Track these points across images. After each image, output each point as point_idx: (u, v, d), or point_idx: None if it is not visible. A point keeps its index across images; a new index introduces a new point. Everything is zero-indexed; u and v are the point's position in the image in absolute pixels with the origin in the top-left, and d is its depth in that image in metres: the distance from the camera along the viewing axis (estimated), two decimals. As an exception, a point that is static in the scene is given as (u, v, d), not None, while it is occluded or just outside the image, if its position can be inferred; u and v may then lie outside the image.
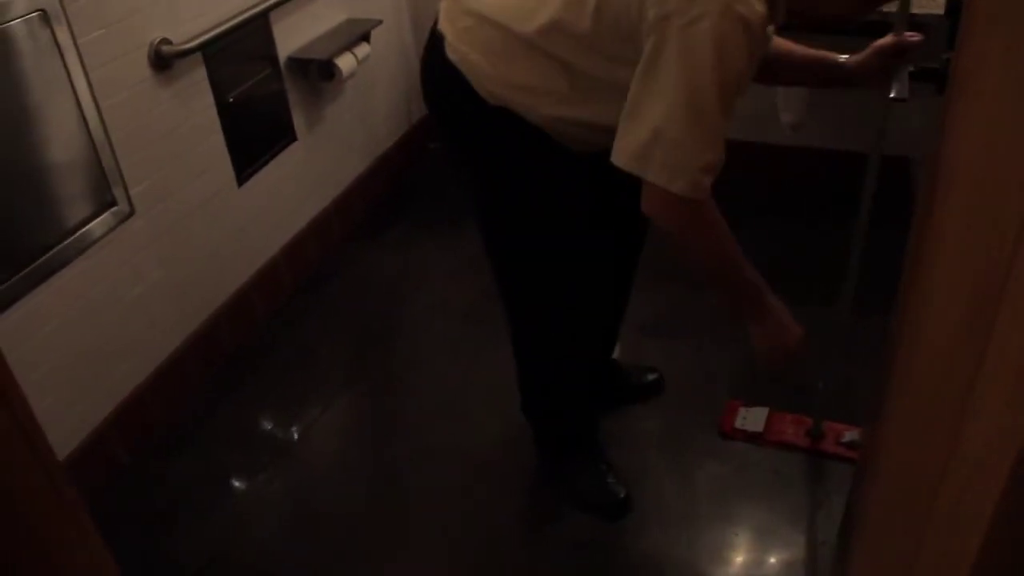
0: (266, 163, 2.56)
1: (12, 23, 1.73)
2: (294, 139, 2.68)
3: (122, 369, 2.13)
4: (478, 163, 1.66)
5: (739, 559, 1.88)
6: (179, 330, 2.31)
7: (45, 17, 1.79)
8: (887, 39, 1.54)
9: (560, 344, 1.87)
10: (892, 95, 1.17)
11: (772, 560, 1.87)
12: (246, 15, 2.31)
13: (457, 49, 1.51)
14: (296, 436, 2.25)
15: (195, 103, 2.25)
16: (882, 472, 1.24)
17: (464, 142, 1.66)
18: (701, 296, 2.66)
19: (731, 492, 2.03)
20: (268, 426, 2.29)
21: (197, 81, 2.25)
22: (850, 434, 2.11)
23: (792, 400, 2.22)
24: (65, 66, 1.85)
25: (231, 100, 2.36)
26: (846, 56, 1.61)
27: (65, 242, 1.92)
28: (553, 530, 1.97)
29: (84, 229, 1.96)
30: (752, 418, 2.19)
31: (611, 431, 2.20)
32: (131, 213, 2.08)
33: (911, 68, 1.19)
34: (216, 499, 2.07)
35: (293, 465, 2.17)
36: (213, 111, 2.32)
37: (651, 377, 2.32)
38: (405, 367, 2.47)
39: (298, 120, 2.69)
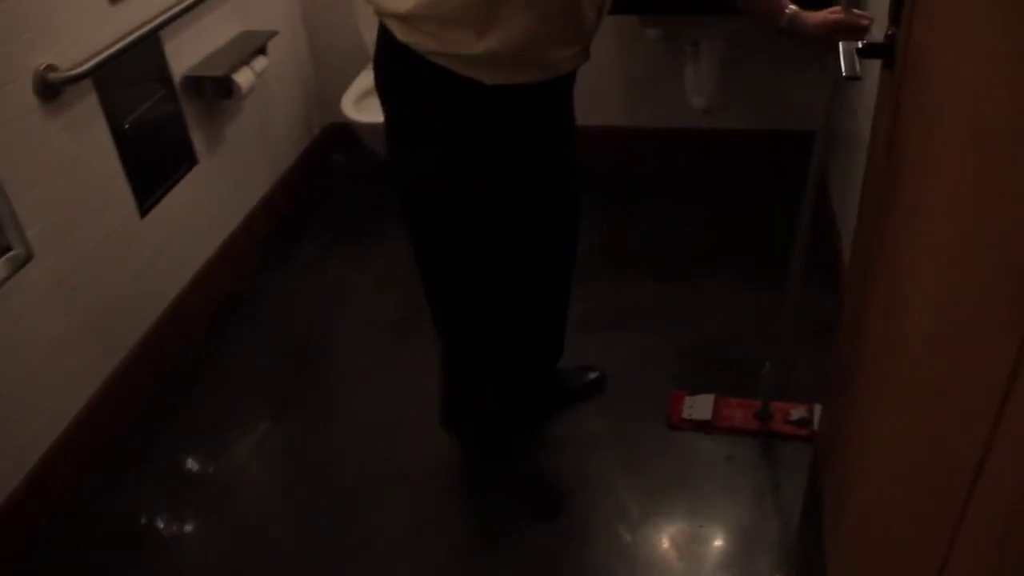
0: (168, 190, 2.41)
1: None
2: (195, 162, 2.54)
3: (33, 428, 1.97)
4: (400, 121, 1.60)
5: (708, 551, 1.86)
6: (92, 379, 2.15)
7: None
8: (840, 16, 1.54)
9: (491, 337, 1.82)
10: (844, 74, 1.16)
11: (742, 547, 1.86)
12: (136, 34, 2.16)
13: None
14: (231, 476, 2.13)
15: (89, 133, 2.10)
16: (870, 450, 1.23)
17: (390, 102, 1.59)
18: (634, 288, 2.66)
19: (688, 484, 2.01)
20: (200, 470, 2.15)
21: (89, 109, 2.09)
22: (797, 412, 2.12)
23: (736, 384, 2.22)
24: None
25: (127, 126, 2.21)
26: (795, 9, 1.60)
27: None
28: (510, 540, 1.91)
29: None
30: (699, 406, 2.18)
31: (557, 435, 2.16)
32: (28, 258, 1.92)
33: (858, 45, 1.18)
34: (152, 556, 1.93)
35: (232, 507, 2.04)
36: (109, 140, 2.16)
37: (592, 376, 2.29)
38: (337, 388, 2.37)
39: (198, 142, 2.55)
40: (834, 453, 1.58)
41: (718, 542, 1.87)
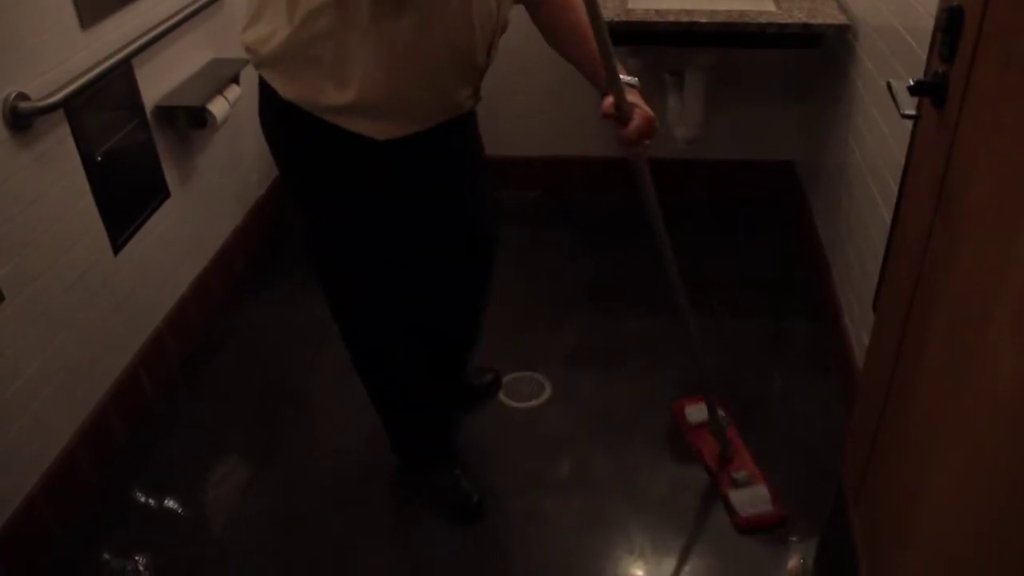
0: (141, 224, 2.29)
1: None
2: (167, 195, 2.42)
3: (5, 479, 1.83)
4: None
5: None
6: (66, 426, 2.02)
7: None
8: (607, 105, 1.50)
9: (396, 369, 1.90)
10: (901, 113, 1.12)
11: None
12: (108, 63, 2.05)
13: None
14: (208, 521, 2.00)
15: (60, 165, 1.97)
16: (932, 505, 1.18)
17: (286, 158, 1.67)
18: (622, 323, 2.60)
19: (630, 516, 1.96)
20: (181, 521, 2.02)
21: (61, 140, 1.97)
22: (737, 474, 2.01)
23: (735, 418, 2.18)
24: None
25: (99, 158, 2.09)
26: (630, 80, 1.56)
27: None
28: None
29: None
30: (696, 413, 2.19)
31: (561, 475, 2.08)
32: (1, 299, 1.79)
33: (911, 82, 1.14)
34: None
35: (210, 553, 1.92)
36: (81, 172, 2.04)
37: (487, 378, 2.34)
38: (319, 428, 2.26)
39: (170, 174, 2.43)
40: (870, 505, 1.53)
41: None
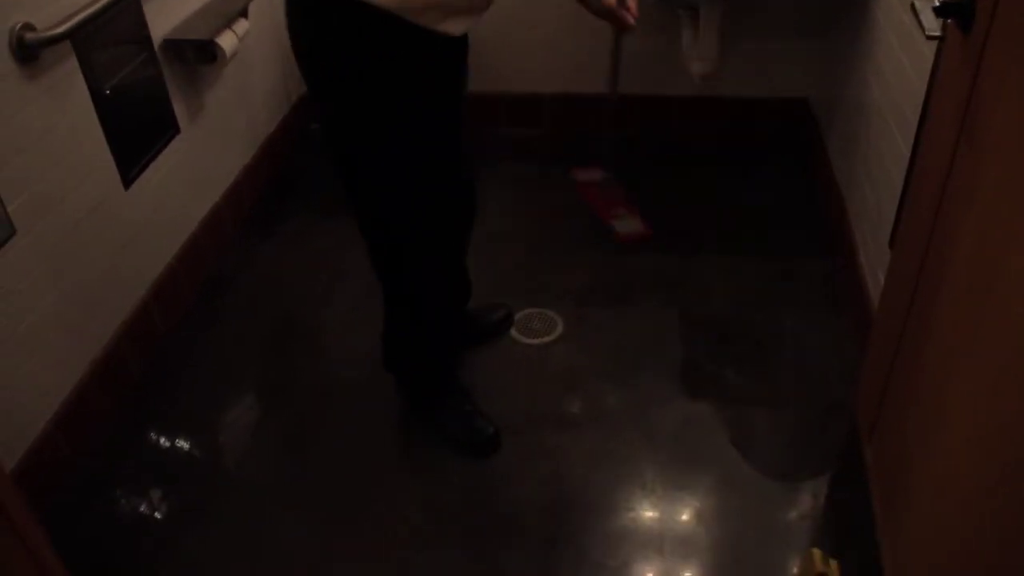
0: (151, 160, 2.28)
1: None
2: (177, 131, 2.40)
3: (22, 414, 1.84)
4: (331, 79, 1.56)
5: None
6: (79, 360, 2.03)
7: None
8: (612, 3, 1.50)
9: (423, 272, 1.84)
10: (926, 34, 1.09)
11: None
12: (115, -7, 2.02)
13: None
14: (228, 459, 2.03)
15: (69, 98, 1.96)
16: (946, 436, 1.18)
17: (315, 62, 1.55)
18: (634, 260, 2.59)
19: (644, 458, 1.97)
20: (194, 454, 2.04)
21: (69, 73, 1.95)
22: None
23: (747, 359, 2.17)
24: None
25: (107, 92, 2.07)
26: None
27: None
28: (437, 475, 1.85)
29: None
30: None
31: (578, 412, 2.09)
32: (12, 233, 1.79)
33: (936, 3, 1.11)
34: (142, 537, 1.83)
35: (222, 487, 1.94)
36: (90, 106, 2.02)
37: (500, 314, 2.34)
38: (330, 362, 2.27)
39: (179, 110, 2.41)
40: (885, 440, 1.53)
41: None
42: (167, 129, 2.36)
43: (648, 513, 1.85)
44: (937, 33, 1.09)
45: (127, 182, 2.17)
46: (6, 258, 1.77)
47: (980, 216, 1.08)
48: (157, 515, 1.89)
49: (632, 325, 2.35)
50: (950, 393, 1.19)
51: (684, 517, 1.84)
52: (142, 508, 1.91)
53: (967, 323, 1.13)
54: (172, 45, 2.34)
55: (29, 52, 1.81)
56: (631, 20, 1.54)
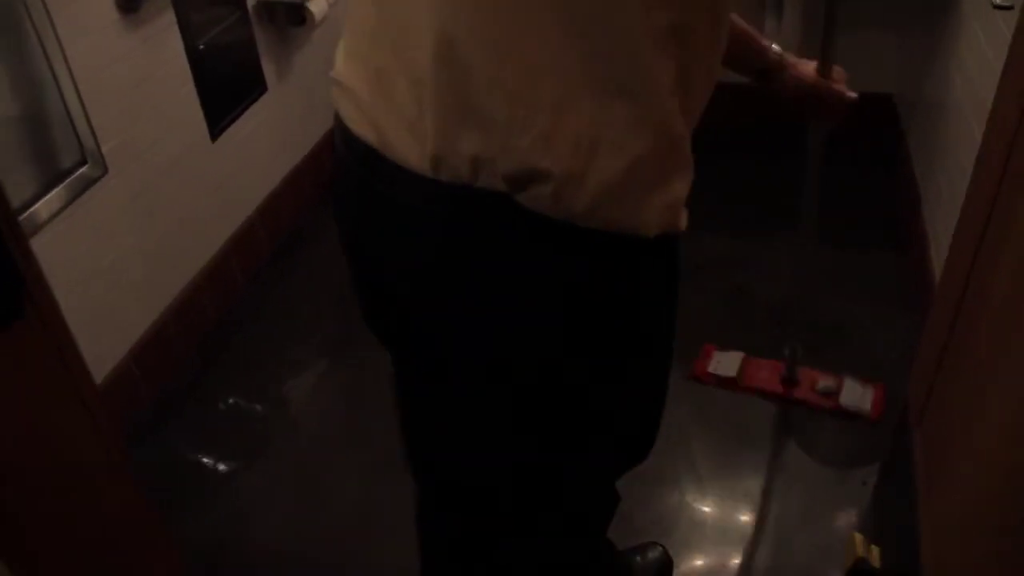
0: (238, 116, 2.38)
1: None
2: (264, 90, 2.50)
3: (100, 346, 1.96)
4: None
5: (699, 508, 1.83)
6: (158, 300, 2.14)
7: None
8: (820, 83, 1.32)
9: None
10: (995, 2, 1.08)
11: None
12: (214, -48, 2.12)
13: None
14: (292, 406, 2.12)
15: (165, 50, 2.06)
16: (984, 422, 1.18)
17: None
18: (696, 241, 2.60)
19: (693, 436, 1.98)
20: (259, 399, 2.14)
21: (166, 26, 2.05)
22: (824, 382, 2.05)
23: (767, 347, 2.16)
24: (26, 7, 1.65)
25: (201, 47, 2.17)
26: (779, 50, 1.32)
27: (32, 208, 1.73)
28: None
29: (52, 193, 1.77)
30: (726, 363, 2.14)
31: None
32: (104, 172, 1.90)
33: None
34: (215, 480, 1.93)
35: (292, 437, 2.03)
36: (183, 59, 2.13)
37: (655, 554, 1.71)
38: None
39: (268, 69, 2.51)
40: (932, 423, 1.53)
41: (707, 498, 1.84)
42: (255, 87, 2.46)
43: (693, 492, 1.87)
44: (1006, 2, 1.08)
45: (214, 135, 2.27)
46: (97, 196, 1.89)
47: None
48: (219, 451, 1.99)
49: (694, 300, 2.36)
50: (995, 376, 1.18)
51: (730, 497, 1.85)
52: (205, 443, 2.01)
53: (1016, 307, 1.13)
54: (265, 6, 2.44)
55: (130, 3, 1.92)
56: (850, 98, 1.33)
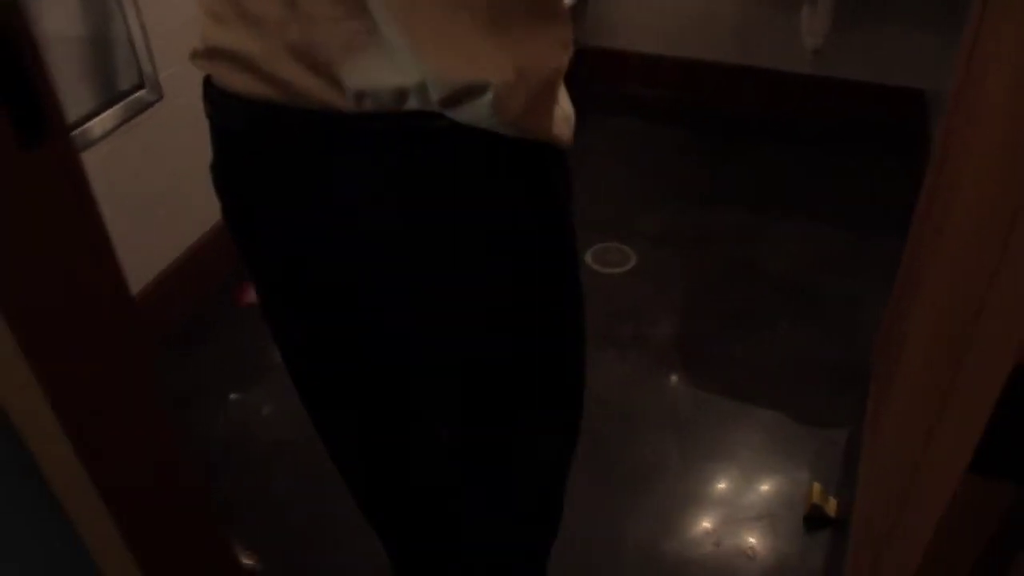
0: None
1: None
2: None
3: (139, 257, 2.15)
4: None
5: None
6: (196, 227, 2.34)
7: None
8: None
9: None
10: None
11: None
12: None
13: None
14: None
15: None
16: (906, 351, 1.27)
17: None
18: (714, 214, 2.70)
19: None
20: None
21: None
22: None
23: (797, 311, 2.25)
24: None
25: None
26: None
27: (87, 124, 1.92)
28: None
29: (107, 112, 1.96)
30: None
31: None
32: (159, 98, 2.08)
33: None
34: (228, 403, 2.11)
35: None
36: None
37: None
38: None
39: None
40: (881, 362, 1.63)
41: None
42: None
43: (674, 434, 1.99)
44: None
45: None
46: (151, 119, 2.07)
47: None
48: (238, 380, 2.17)
49: (704, 269, 2.47)
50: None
51: (707, 441, 1.97)
52: (225, 372, 2.19)
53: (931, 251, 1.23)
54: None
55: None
56: None
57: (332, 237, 0.90)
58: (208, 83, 0.92)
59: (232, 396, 2.10)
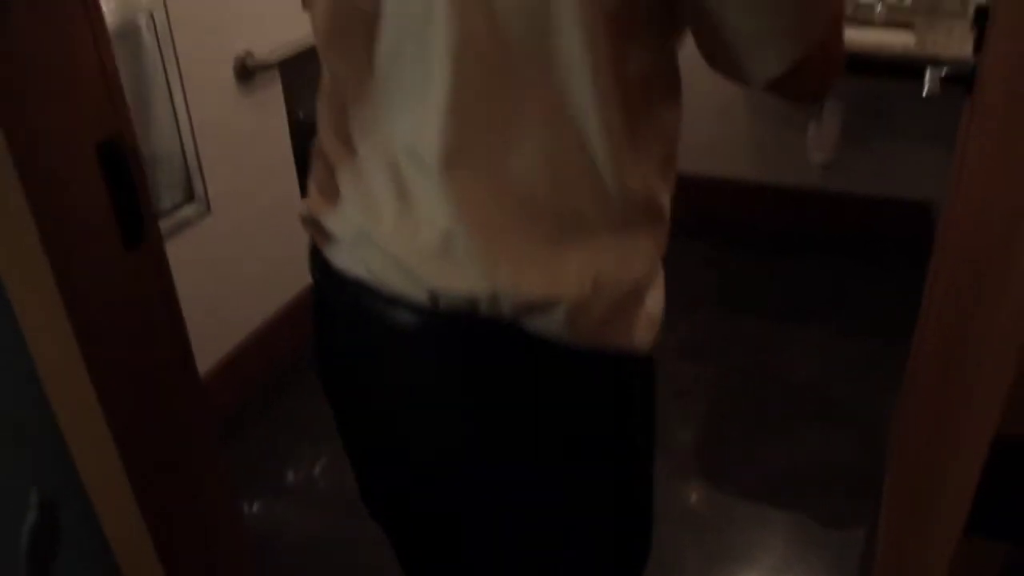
0: (327, 178, 2.72)
1: (138, 15, 1.94)
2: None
3: (208, 342, 2.25)
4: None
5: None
6: (247, 324, 2.46)
7: (151, 18, 1.98)
8: None
9: None
10: (924, 93, 1.31)
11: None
12: (320, 38, 2.50)
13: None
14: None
15: (270, 116, 2.43)
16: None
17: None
18: (737, 326, 2.79)
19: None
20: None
21: (274, 96, 2.42)
22: None
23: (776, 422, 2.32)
24: (163, 64, 2.03)
25: (301, 116, 2.54)
26: None
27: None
28: None
29: (159, 224, 2.12)
30: None
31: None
32: (207, 211, 2.24)
33: (943, 71, 1.33)
34: (276, 481, 2.19)
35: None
36: (285, 125, 2.49)
37: None
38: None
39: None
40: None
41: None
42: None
43: (692, 536, 2.03)
44: (937, 92, 1.30)
45: (304, 193, 2.61)
46: (205, 230, 2.24)
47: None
48: (310, 446, 2.26)
49: (721, 376, 2.55)
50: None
51: (726, 544, 2.01)
52: (298, 435, 2.29)
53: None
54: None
55: (247, 73, 2.30)
56: None
57: (407, 419, 0.91)
58: (315, 250, 0.96)
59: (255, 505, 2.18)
